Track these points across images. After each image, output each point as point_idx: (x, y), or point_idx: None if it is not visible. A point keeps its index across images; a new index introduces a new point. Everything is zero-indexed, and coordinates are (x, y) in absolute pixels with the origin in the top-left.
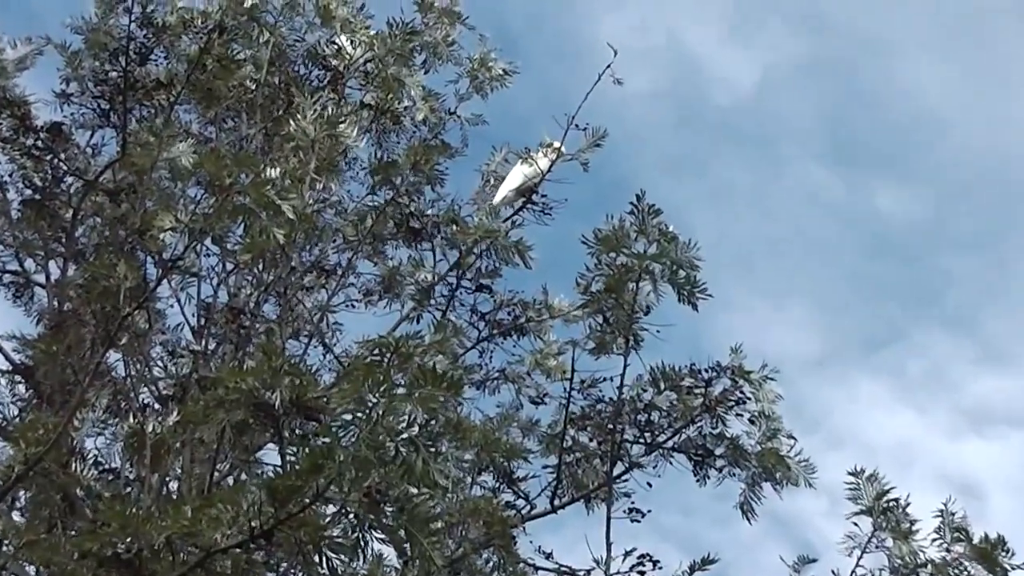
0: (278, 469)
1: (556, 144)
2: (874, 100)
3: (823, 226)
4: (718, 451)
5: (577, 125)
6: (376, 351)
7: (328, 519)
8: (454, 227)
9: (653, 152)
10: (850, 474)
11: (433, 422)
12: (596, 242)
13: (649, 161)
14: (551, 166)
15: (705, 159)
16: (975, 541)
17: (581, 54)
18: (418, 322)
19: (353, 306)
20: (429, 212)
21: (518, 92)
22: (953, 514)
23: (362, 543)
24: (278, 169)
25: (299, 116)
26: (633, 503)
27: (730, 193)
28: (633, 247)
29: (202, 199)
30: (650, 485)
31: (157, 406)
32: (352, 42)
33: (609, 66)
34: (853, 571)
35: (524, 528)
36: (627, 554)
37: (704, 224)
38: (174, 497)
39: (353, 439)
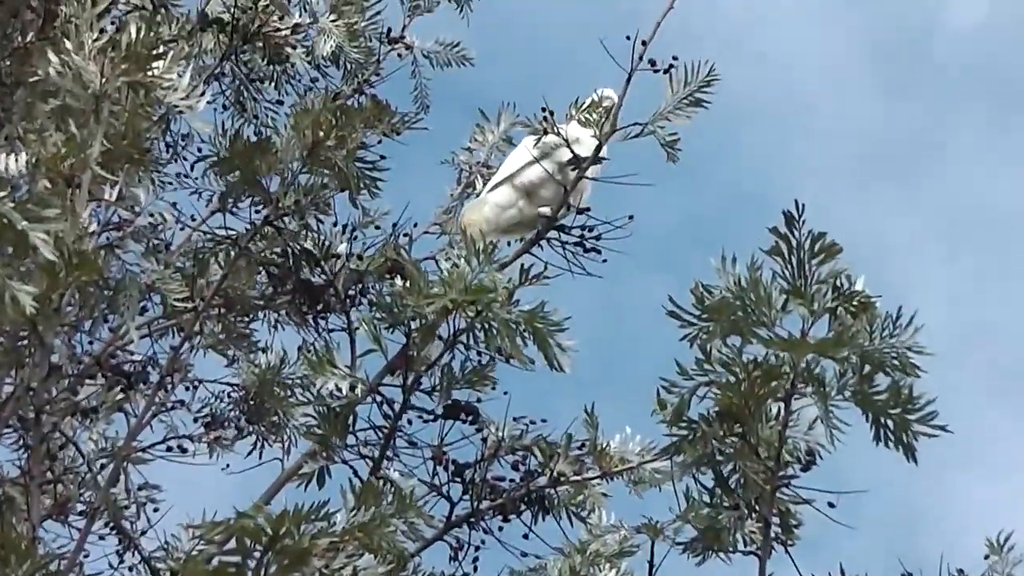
0: None
1: (608, 94)
2: None
3: None
4: None
5: (651, 62)
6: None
7: None
8: (396, 283)
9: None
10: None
11: None
12: (700, 311)
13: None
14: (600, 143)
15: None
16: None
17: None
18: (321, 483)
19: (183, 449)
20: (341, 249)
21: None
22: None
23: None
24: (21, 156)
25: (67, 43)
26: None
27: None
28: (774, 318)
29: None
30: None
31: None
32: None
33: None
34: None
35: None
36: None
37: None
38: None
39: None
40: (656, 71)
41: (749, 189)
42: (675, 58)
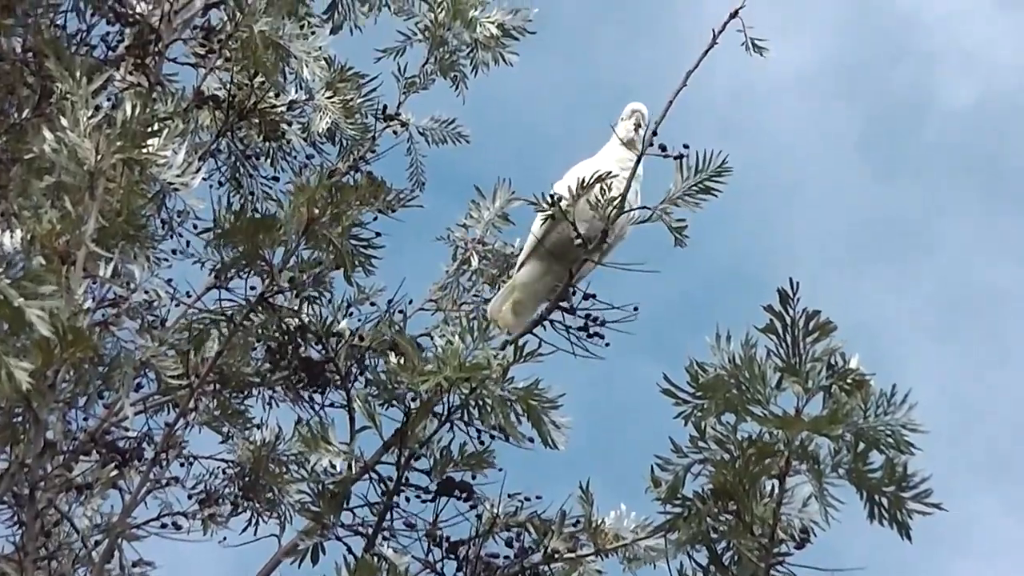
0: None
1: (637, 107)
2: None
3: None
4: None
5: (662, 147)
6: None
7: None
8: (391, 360)
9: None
10: None
11: None
12: (695, 389)
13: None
14: (606, 228)
15: None
16: None
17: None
18: (316, 560)
19: (177, 526)
20: (343, 326)
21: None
22: None
23: None
24: (17, 233)
25: (62, 119)
26: None
27: None
28: (769, 396)
29: None
30: None
31: None
32: None
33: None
34: None
35: None
36: None
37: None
38: None
39: None
40: (667, 156)
41: (739, 269)
42: (686, 146)
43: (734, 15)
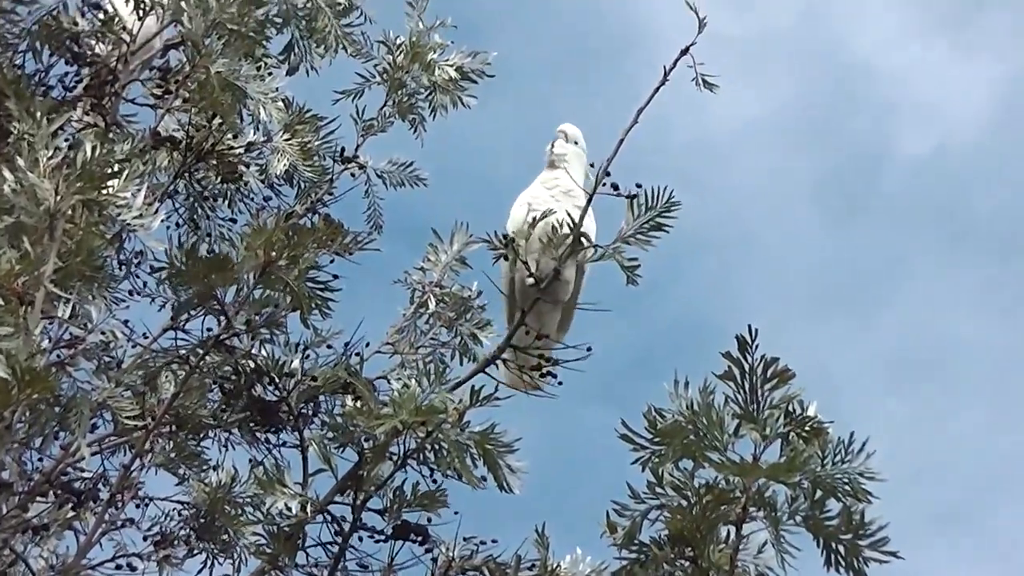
0: None
1: (564, 129)
2: None
3: None
4: None
5: (614, 185)
6: None
7: None
8: (348, 403)
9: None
10: None
11: None
12: (653, 435)
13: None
14: (558, 268)
15: None
16: None
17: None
18: None
19: (132, 567)
20: (295, 366)
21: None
22: None
23: None
24: None
25: (20, 160)
26: None
27: None
28: (726, 443)
29: None
30: None
31: None
32: (138, 4)
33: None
34: None
35: None
36: None
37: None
38: None
39: None
40: (619, 195)
41: (695, 319)
42: (639, 185)
43: (684, 51)
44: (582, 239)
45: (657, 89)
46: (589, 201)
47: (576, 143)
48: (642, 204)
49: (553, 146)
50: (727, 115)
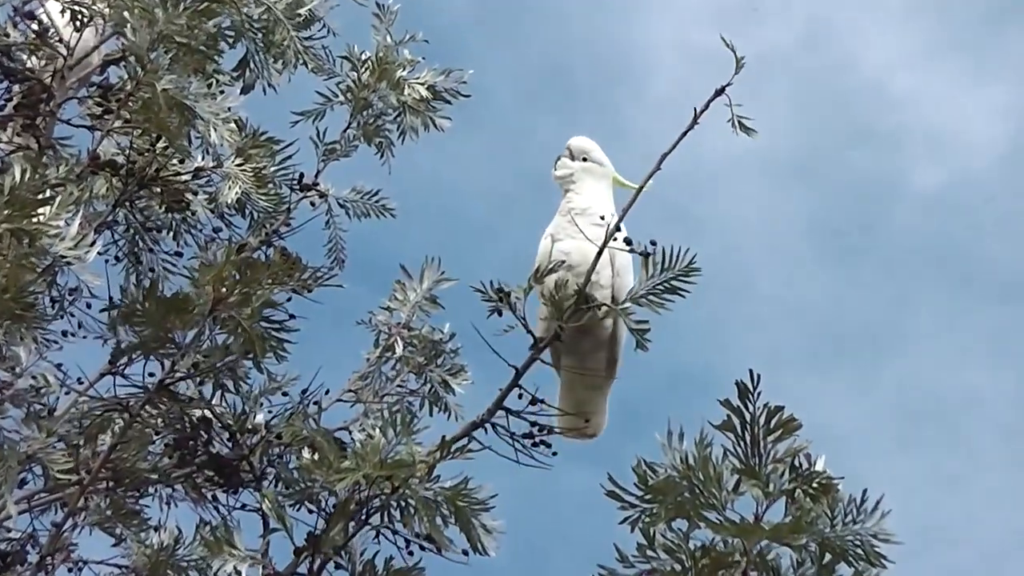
0: None
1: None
2: None
3: None
4: None
5: (627, 240)
6: None
7: None
8: (305, 457)
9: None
10: None
11: None
12: (643, 491)
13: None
14: (560, 329)
15: None
16: None
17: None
18: None
19: None
20: (259, 420)
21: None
22: None
23: None
24: None
25: None
26: None
27: None
28: (725, 500)
29: None
30: None
31: None
32: (76, 15)
33: None
34: None
35: None
36: None
37: None
38: None
39: None
40: (632, 251)
41: (681, 371)
42: (654, 242)
43: (720, 92)
44: (587, 300)
45: (685, 133)
46: (599, 255)
47: (585, 158)
48: (657, 264)
49: (555, 167)
50: (720, 146)
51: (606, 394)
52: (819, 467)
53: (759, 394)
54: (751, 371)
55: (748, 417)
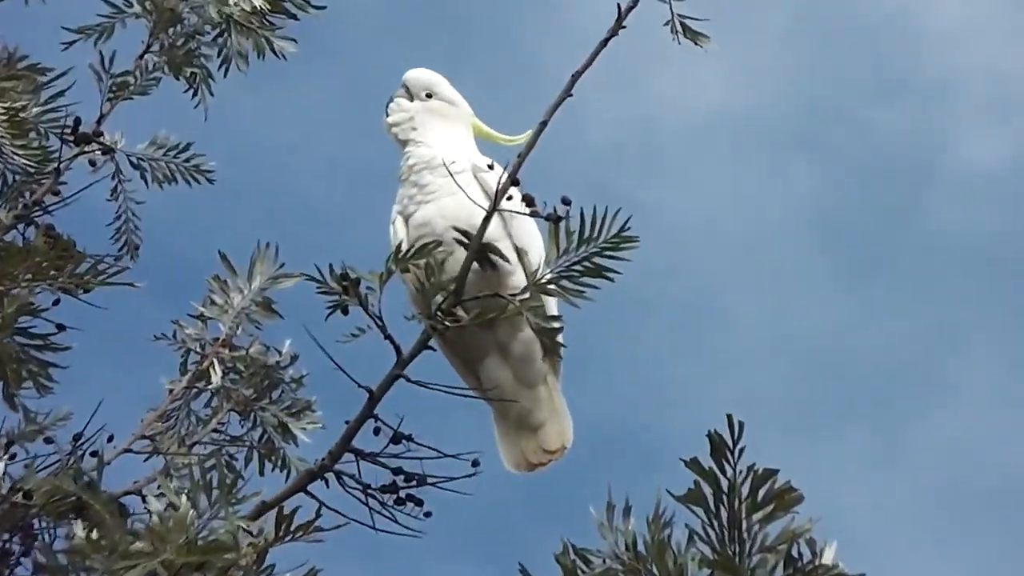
0: None
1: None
2: None
3: None
4: None
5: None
6: None
7: None
8: (78, 533)
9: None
10: None
11: None
12: None
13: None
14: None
15: None
16: None
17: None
18: None
19: None
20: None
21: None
22: None
23: None
24: None
25: None
26: None
27: None
28: None
29: None
30: None
31: None
32: None
33: None
34: None
35: None
36: None
37: None
38: None
39: None
40: (534, 215)
41: (628, 422)
42: (567, 202)
43: None
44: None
45: (605, 42)
46: (486, 220)
47: (429, 94)
48: (574, 232)
49: (387, 111)
50: (678, 96)
51: (555, 387)
52: (828, 559)
53: (741, 451)
54: (730, 417)
55: (725, 485)
